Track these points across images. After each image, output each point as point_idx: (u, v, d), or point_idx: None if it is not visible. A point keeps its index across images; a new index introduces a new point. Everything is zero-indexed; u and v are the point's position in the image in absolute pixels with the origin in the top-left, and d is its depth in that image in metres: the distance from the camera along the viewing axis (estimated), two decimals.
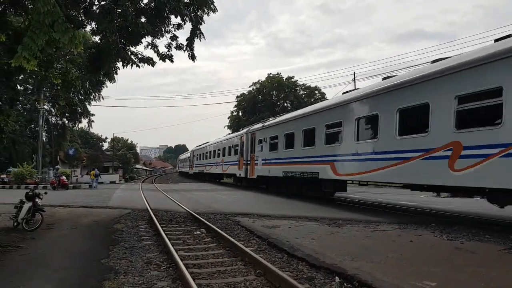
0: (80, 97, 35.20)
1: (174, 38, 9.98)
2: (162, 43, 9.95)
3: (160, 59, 10.33)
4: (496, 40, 7.89)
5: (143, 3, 9.14)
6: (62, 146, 41.00)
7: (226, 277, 4.77)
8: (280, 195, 17.34)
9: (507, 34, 7.86)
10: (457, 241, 6.62)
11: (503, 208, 8.61)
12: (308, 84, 49.12)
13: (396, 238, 6.95)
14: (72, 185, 27.70)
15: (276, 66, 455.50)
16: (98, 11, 8.72)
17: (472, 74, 7.77)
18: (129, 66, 10.18)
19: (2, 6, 9.07)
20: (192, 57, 9.92)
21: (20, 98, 34.06)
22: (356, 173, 11.52)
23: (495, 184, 7.40)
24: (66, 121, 42.17)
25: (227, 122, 53.17)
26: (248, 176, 21.83)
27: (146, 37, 9.54)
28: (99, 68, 10.71)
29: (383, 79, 11.17)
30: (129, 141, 77.75)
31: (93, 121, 43.24)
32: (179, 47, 10.04)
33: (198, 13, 9.32)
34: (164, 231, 7.41)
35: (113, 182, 35.34)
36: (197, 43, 9.84)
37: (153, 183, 36.30)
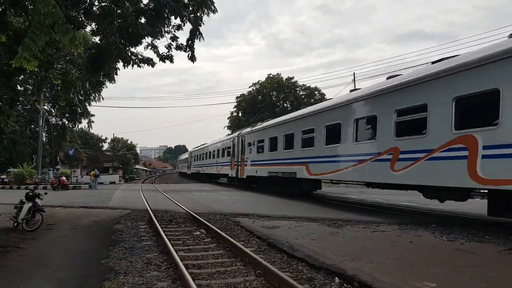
0: (80, 97, 35.19)
1: (174, 38, 9.99)
2: (162, 43, 9.96)
3: (160, 60, 10.33)
4: (433, 62, 9.60)
5: (143, 4, 9.15)
6: (62, 147, 41.01)
7: (226, 277, 4.77)
8: (280, 196, 17.43)
9: (439, 58, 9.58)
10: (457, 242, 6.62)
11: (442, 202, 9.88)
12: (308, 85, 49.19)
13: (396, 238, 6.95)
14: (72, 185, 27.70)
15: (276, 67, 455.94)
16: (98, 12, 8.73)
17: (407, 92, 9.66)
18: (129, 66, 10.18)
19: (3, 7, 9.09)
20: (192, 58, 9.92)
21: (20, 98, 34.03)
22: (325, 173, 13.47)
23: (423, 182, 9.15)
24: (66, 122, 42.19)
25: (227, 122, 53.26)
26: (238, 176, 23.56)
27: (146, 37, 9.55)
28: (99, 68, 10.72)
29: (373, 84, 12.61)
30: (129, 142, 77.83)
31: (93, 121, 43.28)
32: (179, 47, 10.04)
33: (198, 14, 9.32)
34: (164, 231, 7.41)
35: (113, 183, 35.31)
36: (197, 43, 9.85)
37: (153, 183, 36.29)
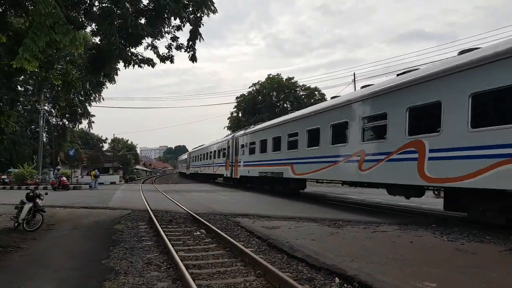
0: (81, 98, 35.23)
1: (174, 39, 10.00)
2: (162, 44, 9.99)
3: (160, 61, 10.34)
4: (398, 75, 10.81)
5: (143, 4, 9.16)
6: (63, 147, 40.99)
7: (226, 277, 4.77)
8: (280, 196, 17.46)
9: (402, 72, 10.79)
10: (458, 242, 6.62)
11: (408, 199, 11.34)
12: (308, 85, 49.17)
13: (396, 239, 6.95)
14: (72, 186, 27.71)
15: (276, 67, 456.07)
16: (98, 12, 8.74)
17: (371, 102, 11.02)
18: (130, 66, 10.20)
19: (3, 7, 9.10)
20: (193, 59, 9.93)
21: (21, 99, 34.09)
22: (308, 173, 14.68)
23: (385, 180, 10.45)
24: (67, 122, 42.19)
25: (227, 123, 53.26)
26: (233, 176, 24.96)
27: (146, 38, 9.56)
28: (99, 69, 10.73)
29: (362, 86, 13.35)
30: (129, 142, 77.78)
31: (93, 122, 43.30)
32: (179, 47, 10.05)
33: (198, 15, 9.33)
34: (164, 231, 7.42)
35: (113, 183, 35.32)
36: (197, 44, 9.85)
37: (153, 183, 36.30)
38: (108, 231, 8.22)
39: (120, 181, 39.88)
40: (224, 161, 27.53)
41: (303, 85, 49.26)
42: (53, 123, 41.60)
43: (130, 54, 10.16)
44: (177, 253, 5.68)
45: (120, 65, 10.65)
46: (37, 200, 8.55)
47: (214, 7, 9.26)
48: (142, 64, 10.40)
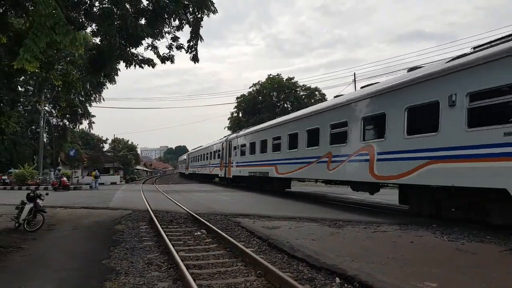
0: (81, 98, 35.30)
1: (175, 39, 10.01)
2: (162, 44, 10.00)
3: (161, 61, 10.34)
4: (362, 87, 12.68)
5: (143, 5, 9.16)
6: (63, 147, 41.03)
7: (227, 277, 4.78)
8: (280, 196, 17.53)
9: (366, 84, 12.68)
10: (458, 242, 6.62)
11: (372, 195, 13.16)
12: (308, 85, 49.16)
13: (396, 239, 6.95)
14: (73, 186, 27.73)
15: (276, 67, 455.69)
16: (98, 13, 8.75)
17: (337, 111, 12.82)
18: (131, 67, 10.20)
19: (3, 8, 9.11)
20: (195, 59, 9.93)
21: (21, 99, 34.12)
22: (288, 172, 16.25)
23: (347, 178, 12.47)
24: (67, 122, 42.22)
25: (227, 123, 53.25)
26: (226, 176, 26.88)
27: (146, 38, 9.57)
28: (99, 69, 10.74)
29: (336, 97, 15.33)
30: (129, 142, 77.80)
31: (93, 122, 43.35)
32: (179, 47, 10.06)
33: (198, 15, 9.33)
34: (164, 232, 7.42)
35: (114, 183, 35.34)
36: (198, 44, 9.86)
37: (153, 184, 36.32)
38: (108, 231, 8.23)
39: (120, 181, 39.90)
40: (219, 162, 29.25)
41: (303, 85, 49.28)
42: (54, 123, 41.64)
43: (130, 54, 10.17)
44: (177, 253, 5.68)
45: (121, 65, 10.67)
46: (38, 201, 8.55)
47: (214, 7, 9.27)
48: (142, 65, 10.40)
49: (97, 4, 9.10)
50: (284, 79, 49.44)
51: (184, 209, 11.88)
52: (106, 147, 70.46)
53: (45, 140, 38.97)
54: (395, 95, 9.96)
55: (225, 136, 29.22)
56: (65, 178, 26.29)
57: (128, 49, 9.93)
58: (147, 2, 9.09)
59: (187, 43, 9.76)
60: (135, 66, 10.24)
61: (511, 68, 6.95)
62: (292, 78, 49.56)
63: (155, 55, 10.23)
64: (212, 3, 9.19)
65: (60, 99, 14.50)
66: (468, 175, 7.73)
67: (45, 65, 9.56)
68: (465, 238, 6.90)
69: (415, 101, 9.27)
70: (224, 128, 52.88)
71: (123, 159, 60.09)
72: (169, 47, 10.07)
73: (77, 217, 10.82)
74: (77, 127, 45.33)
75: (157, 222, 8.62)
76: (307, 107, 21.97)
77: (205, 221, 8.81)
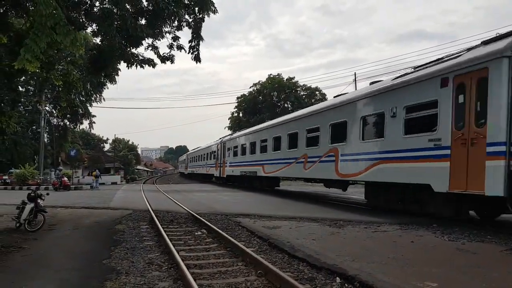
0: (81, 98, 35.31)
1: (175, 38, 10.01)
2: (163, 44, 10.02)
3: (161, 61, 10.34)
4: (335, 96, 14.83)
5: (144, 5, 9.16)
6: (64, 147, 41.03)
7: (227, 277, 4.78)
8: (281, 196, 17.57)
9: (337, 94, 14.86)
10: (459, 241, 6.61)
11: (344, 191, 14.71)
12: (308, 85, 49.15)
13: (397, 239, 6.95)
14: (73, 186, 27.75)
15: (276, 67, 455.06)
16: (98, 13, 8.75)
17: (311, 118, 14.83)
18: (133, 67, 10.22)
19: (4, 8, 9.12)
20: (197, 59, 9.95)
21: (22, 99, 34.15)
22: (273, 172, 18.22)
23: (319, 176, 14.49)
24: (68, 122, 42.23)
25: (228, 123, 53.26)
26: (220, 175, 28.77)
27: (147, 39, 9.58)
28: (100, 69, 10.75)
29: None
30: (130, 142, 77.87)
31: (94, 122, 43.35)
32: (180, 47, 10.07)
33: (200, 16, 9.34)
34: (165, 231, 7.43)
35: (114, 183, 35.37)
36: (200, 44, 9.87)
37: (154, 184, 36.35)
38: (109, 231, 8.23)
39: (121, 181, 39.94)
40: (214, 162, 31.22)
41: (304, 85, 49.27)
42: (54, 123, 41.64)
43: (131, 54, 10.18)
44: (178, 253, 5.68)
45: (122, 65, 10.69)
46: (39, 201, 8.56)
47: (215, 7, 9.27)
48: (143, 65, 10.41)
49: (97, 4, 9.11)
50: (285, 79, 49.44)
51: (184, 209, 11.89)
52: (107, 147, 70.57)
53: (45, 140, 38.96)
54: (354, 106, 11.83)
55: (220, 138, 30.93)
56: (65, 178, 26.30)
57: (128, 49, 9.94)
58: (147, 2, 9.10)
59: (189, 43, 9.77)
60: (136, 66, 10.26)
61: (433, 87, 8.60)
62: (293, 78, 49.59)
63: (155, 55, 10.25)
64: (213, 3, 9.19)
65: (60, 99, 14.53)
66: (405, 173, 9.35)
67: (46, 65, 9.57)
68: (466, 238, 6.90)
69: (367, 112, 11.17)
70: (225, 128, 52.99)
71: (123, 159, 60.16)
72: (170, 46, 10.08)
73: (77, 217, 10.83)
74: (78, 127, 45.41)
75: (157, 222, 8.63)
76: (307, 107, 22.72)
77: (205, 221, 8.82)
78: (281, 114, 29.59)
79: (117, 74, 14.01)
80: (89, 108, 40.59)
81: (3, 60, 9.79)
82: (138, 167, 77.49)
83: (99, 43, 10.25)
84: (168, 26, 9.63)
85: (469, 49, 8.46)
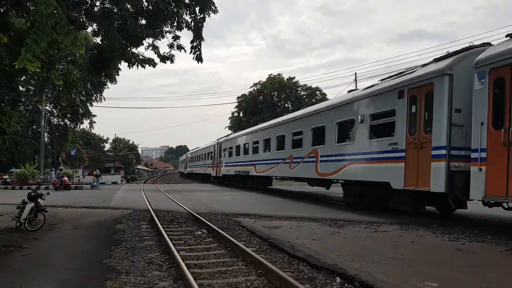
0: (82, 98, 35.31)
1: (176, 38, 10.01)
2: (163, 43, 10.04)
3: (160, 60, 10.35)
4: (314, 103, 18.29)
5: (144, 5, 9.16)
6: (64, 147, 41.08)
7: (227, 277, 4.78)
8: (281, 196, 17.62)
9: (321, 103, 17.28)
10: (459, 242, 6.61)
11: (328, 189, 15.82)
12: (309, 85, 49.13)
13: (397, 239, 6.95)
14: (74, 185, 27.77)
15: (276, 67, 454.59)
16: (98, 13, 8.75)
17: (296, 123, 16.14)
18: (134, 66, 10.22)
19: (4, 8, 9.13)
20: (199, 59, 9.95)
21: (22, 99, 34.15)
22: (263, 171, 19.64)
23: (303, 175, 15.73)
24: (68, 122, 42.28)
25: (228, 122, 53.26)
26: (217, 175, 30.55)
27: (147, 38, 9.58)
28: (100, 69, 10.75)
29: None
30: (130, 142, 77.91)
31: (94, 122, 43.49)
32: (180, 47, 10.07)
33: (201, 15, 9.34)
34: (165, 231, 7.43)
35: (115, 183, 35.39)
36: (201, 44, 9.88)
37: (154, 183, 36.36)
38: (109, 231, 8.24)
39: (121, 181, 39.97)
40: (211, 162, 32.80)
41: (304, 85, 49.25)
42: (55, 123, 41.67)
43: (131, 54, 10.18)
44: (178, 252, 5.69)
45: (123, 65, 10.70)
46: (39, 200, 8.56)
47: (215, 7, 9.28)
48: (144, 64, 10.42)
49: (98, 3, 9.11)
50: (285, 79, 49.42)
51: (185, 208, 11.89)
52: (107, 146, 70.59)
53: (46, 139, 38.99)
54: (331, 112, 13.23)
55: (217, 139, 32.08)
56: (66, 178, 26.32)
57: (129, 49, 9.94)
58: (147, 2, 9.10)
59: (190, 43, 9.78)
60: (137, 66, 10.26)
61: (392, 99, 9.87)
62: (293, 78, 49.57)
63: (156, 55, 10.25)
64: (213, 3, 9.20)
65: (61, 98, 14.54)
66: (371, 173, 10.65)
67: (46, 65, 9.57)
68: (466, 238, 6.90)
69: (341, 118, 12.39)
70: (225, 128, 53.00)
71: (124, 158, 60.18)
72: (170, 46, 10.08)
73: (78, 216, 10.84)
74: (78, 126, 45.44)
75: (158, 222, 8.63)
76: (307, 106, 23.30)
77: (205, 221, 8.82)
78: (281, 114, 29.95)
79: (118, 74, 14.01)
80: (90, 107, 40.69)
81: (3, 60, 9.80)
82: (139, 166, 77.53)
83: (100, 42, 10.26)
84: (168, 25, 9.64)
85: (423, 65, 9.67)
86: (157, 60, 10.40)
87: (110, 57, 9.71)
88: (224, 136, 30.31)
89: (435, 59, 9.26)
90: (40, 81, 23.31)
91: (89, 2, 9.08)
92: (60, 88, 12.50)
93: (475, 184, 7.35)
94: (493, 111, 7.18)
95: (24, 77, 22.17)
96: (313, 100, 44.76)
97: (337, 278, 4.55)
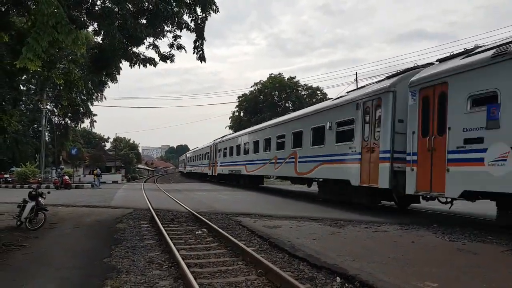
0: (83, 97, 35.30)
1: (176, 37, 10.00)
2: (164, 43, 10.03)
3: (160, 59, 10.34)
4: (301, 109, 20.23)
5: (144, 6, 9.15)
6: (65, 146, 41.09)
7: (228, 276, 4.78)
8: (282, 195, 17.61)
9: (304, 109, 18.52)
10: (459, 242, 6.60)
11: (309, 187, 17.44)
12: (310, 85, 49.10)
13: (397, 239, 6.94)
14: (74, 184, 27.79)
15: (277, 67, 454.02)
16: (99, 12, 8.75)
17: (280, 127, 18.03)
18: (135, 66, 10.22)
19: (5, 7, 9.13)
20: (201, 59, 9.95)
21: (23, 98, 34.21)
22: (253, 171, 21.36)
23: (285, 174, 17.29)
24: (69, 121, 42.28)
25: (229, 122, 53.27)
26: (213, 174, 32.43)
27: (148, 38, 9.57)
28: (101, 68, 10.74)
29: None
30: (131, 141, 77.98)
31: (95, 121, 43.43)
32: (180, 47, 10.06)
33: (202, 15, 9.33)
34: (166, 230, 7.44)
35: (115, 182, 35.43)
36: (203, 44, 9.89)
37: (155, 183, 36.39)
38: (110, 230, 8.25)
39: (122, 180, 40.00)
40: (208, 162, 34.65)
41: (305, 84, 49.22)
42: (55, 122, 41.68)
43: (132, 53, 10.18)
44: (178, 252, 5.69)
45: (125, 64, 10.70)
46: (40, 199, 8.58)
47: (216, 6, 9.27)
48: (145, 63, 10.41)
49: (98, 3, 9.11)
50: (286, 79, 49.38)
51: (185, 208, 11.90)
52: (108, 146, 70.67)
53: (47, 138, 39.00)
54: (307, 119, 15.01)
55: (213, 140, 33.59)
56: (67, 177, 26.36)
57: (130, 48, 9.94)
58: (147, 2, 9.09)
59: (194, 43, 9.78)
60: (139, 65, 10.26)
61: (352, 109, 11.58)
62: (294, 78, 49.53)
63: (156, 54, 10.24)
64: (214, 2, 9.19)
65: (62, 97, 14.55)
66: (336, 172, 12.41)
67: (47, 64, 9.57)
68: (466, 238, 6.89)
69: (315, 124, 14.09)
70: (226, 127, 53.03)
71: (124, 158, 60.27)
72: (171, 45, 10.08)
73: (78, 215, 10.86)
74: (79, 125, 45.39)
75: (158, 221, 8.64)
76: (308, 106, 24.29)
77: (206, 220, 8.83)
78: (282, 114, 30.91)
79: (119, 73, 14.01)
80: (90, 107, 40.65)
81: (4, 59, 9.80)
82: (139, 166, 77.60)
83: (101, 42, 10.26)
84: (169, 25, 9.64)
85: (377, 81, 11.52)
86: (157, 59, 10.40)
87: (111, 56, 9.71)
88: (220, 138, 31.81)
89: (387, 76, 11.02)
90: (41, 80, 23.36)
91: (90, 1, 9.08)
92: (61, 87, 12.49)
93: (409, 181, 8.95)
94: (422, 122, 8.76)
95: (25, 76, 22.22)
96: (314, 100, 44.75)
97: (337, 278, 4.55)
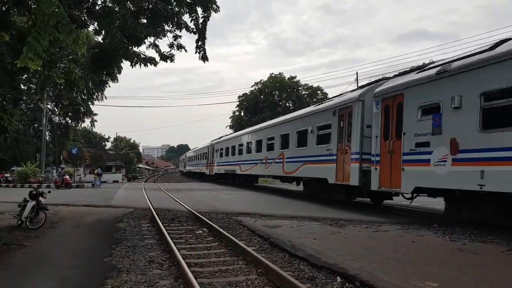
0: (83, 96, 35.32)
1: (176, 37, 10.00)
2: (164, 42, 10.01)
3: (161, 59, 10.34)
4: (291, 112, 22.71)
5: (145, 6, 9.15)
6: (65, 145, 41.11)
7: (228, 276, 4.79)
8: (282, 195, 17.60)
9: (293, 113, 19.70)
10: (460, 242, 6.60)
11: (298, 185, 17.78)
12: (310, 84, 49.08)
13: (398, 238, 6.94)
14: (75, 184, 27.81)
15: (278, 66, 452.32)
16: (99, 12, 8.75)
17: (269, 129, 19.71)
18: (136, 65, 10.22)
19: (6, 6, 9.13)
20: (204, 58, 9.96)
21: (24, 97, 34.21)
22: (246, 170, 22.53)
23: (275, 174, 18.73)
24: (69, 121, 42.30)
25: (229, 122, 53.28)
26: (210, 174, 33.88)
27: (149, 37, 9.57)
28: (102, 67, 10.75)
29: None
30: (131, 141, 78.07)
31: (96, 120, 43.28)
32: (180, 46, 10.06)
33: (204, 14, 9.33)
34: (166, 230, 7.44)
35: (116, 182, 35.45)
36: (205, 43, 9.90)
37: (155, 182, 36.41)
38: (110, 229, 8.25)
39: (122, 179, 40.02)
40: (206, 162, 35.94)
41: (305, 84, 49.20)
42: (56, 121, 41.72)
43: (133, 53, 10.18)
44: (179, 251, 5.70)
45: (126, 64, 10.70)
46: (40, 198, 8.59)
47: (217, 6, 9.27)
48: (146, 63, 10.41)
49: (99, 2, 9.11)
50: (286, 78, 49.37)
51: (185, 207, 11.91)
52: (108, 145, 70.71)
53: (47, 138, 39.04)
54: (293, 122, 16.31)
55: (211, 141, 34.80)
56: (67, 176, 26.38)
57: (130, 47, 9.94)
58: (147, 2, 9.08)
59: (196, 43, 9.78)
60: (140, 65, 10.27)
61: (330, 115, 12.98)
62: (294, 77, 49.53)
63: (157, 54, 10.24)
64: (215, 2, 9.19)
65: (62, 97, 14.59)
66: (317, 171, 13.68)
67: (48, 64, 9.58)
68: (467, 238, 6.88)
69: (300, 127, 15.39)
70: (226, 127, 53.06)
71: (125, 157, 60.33)
72: (171, 45, 10.07)
73: (79, 215, 10.86)
74: (80, 125, 45.36)
75: (158, 220, 8.65)
76: (308, 106, 24.26)
77: (206, 220, 8.83)
78: (282, 114, 31.05)
79: (120, 72, 14.03)
80: (91, 106, 40.59)
81: (5, 58, 9.81)
82: (140, 165, 77.67)
83: (101, 41, 10.27)
84: (169, 25, 9.63)
85: (352, 91, 13.27)
86: (158, 59, 10.39)
87: (111, 55, 9.71)
88: (217, 138, 33.04)
89: (360, 86, 12.97)
90: (41, 79, 23.38)
91: (91, 0, 9.08)
92: (62, 87, 12.49)
93: (373, 179, 10.22)
94: (384, 128, 10.05)
95: (25, 75, 22.25)
96: (314, 100, 44.73)
97: (338, 277, 4.55)
